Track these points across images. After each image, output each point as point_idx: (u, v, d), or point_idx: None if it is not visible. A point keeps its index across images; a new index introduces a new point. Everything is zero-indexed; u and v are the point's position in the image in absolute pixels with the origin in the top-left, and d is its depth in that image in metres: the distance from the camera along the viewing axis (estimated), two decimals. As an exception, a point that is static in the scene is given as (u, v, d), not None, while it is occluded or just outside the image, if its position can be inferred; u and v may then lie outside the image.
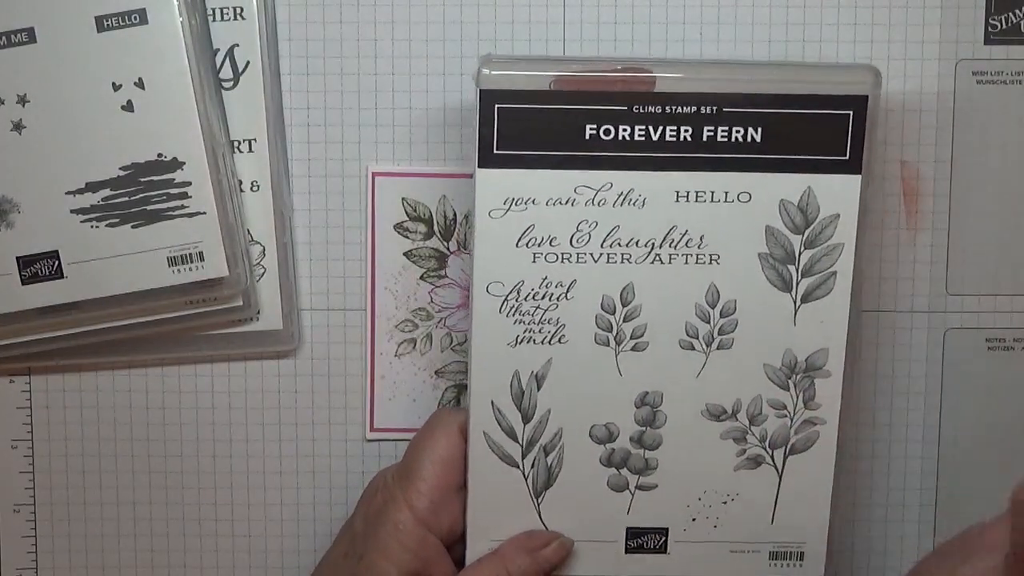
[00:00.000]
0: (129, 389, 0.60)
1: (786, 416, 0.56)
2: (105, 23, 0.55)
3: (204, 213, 0.56)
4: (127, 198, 0.55)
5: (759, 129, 0.53)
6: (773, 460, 0.56)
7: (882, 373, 0.60)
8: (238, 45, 0.57)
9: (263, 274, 0.59)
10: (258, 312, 0.59)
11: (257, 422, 0.60)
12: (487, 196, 0.53)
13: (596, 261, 0.54)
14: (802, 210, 0.54)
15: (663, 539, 0.57)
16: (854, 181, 0.54)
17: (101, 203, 0.55)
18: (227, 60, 0.57)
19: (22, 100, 0.55)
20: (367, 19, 0.58)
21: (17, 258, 0.55)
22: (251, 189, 0.58)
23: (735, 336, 0.55)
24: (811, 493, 0.56)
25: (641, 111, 0.53)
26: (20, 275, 0.56)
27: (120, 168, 0.55)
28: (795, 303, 0.55)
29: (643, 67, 0.53)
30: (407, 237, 0.59)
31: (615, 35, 0.59)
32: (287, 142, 0.59)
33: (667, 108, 0.53)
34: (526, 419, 0.55)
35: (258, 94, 0.58)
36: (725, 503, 0.56)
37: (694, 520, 0.57)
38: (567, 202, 0.54)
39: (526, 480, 0.56)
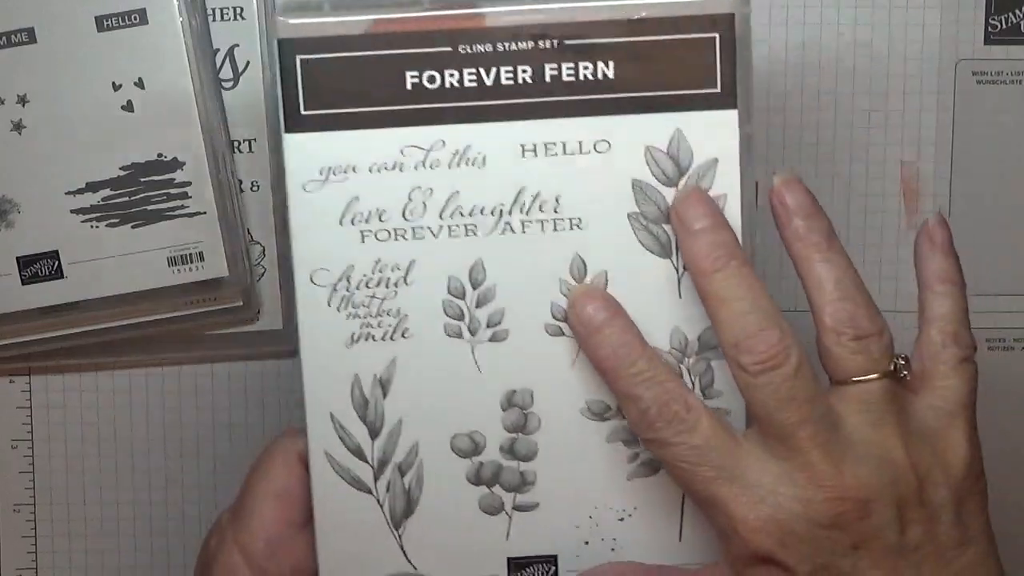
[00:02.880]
0: (129, 389, 0.60)
1: None
2: (105, 23, 0.55)
3: (204, 213, 0.56)
4: (127, 198, 0.55)
5: (610, 63, 0.45)
6: None
7: (882, 373, 0.60)
8: (238, 45, 0.57)
9: (263, 274, 0.59)
10: (258, 312, 0.59)
11: (257, 422, 0.60)
12: (299, 166, 0.46)
13: (436, 236, 0.46)
14: (672, 157, 0.46)
15: (553, 569, 0.48)
16: (730, 117, 0.46)
17: (101, 203, 0.55)
18: (227, 60, 0.57)
19: (22, 100, 0.55)
20: None
21: (17, 258, 0.55)
22: (251, 189, 0.58)
23: None
24: None
25: (469, 51, 0.45)
26: (20, 275, 0.56)
27: (120, 168, 0.55)
28: (678, 270, 0.46)
29: (470, 2, 0.46)
30: (407, 237, 0.59)
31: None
32: (287, 142, 0.59)
33: (499, 46, 0.45)
34: (374, 434, 0.47)
35: (258, 94, 0.57)
36: (622, 520, 0.48)
37: (587, 544, 0.48)
38: (394, 167, 0.46)
39: (382, 508, 0.48)
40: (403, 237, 0.46)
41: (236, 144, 0.58)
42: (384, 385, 0.47)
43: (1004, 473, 0.61)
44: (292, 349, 0.59)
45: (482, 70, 0.45)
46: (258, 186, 0.58)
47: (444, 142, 0.46)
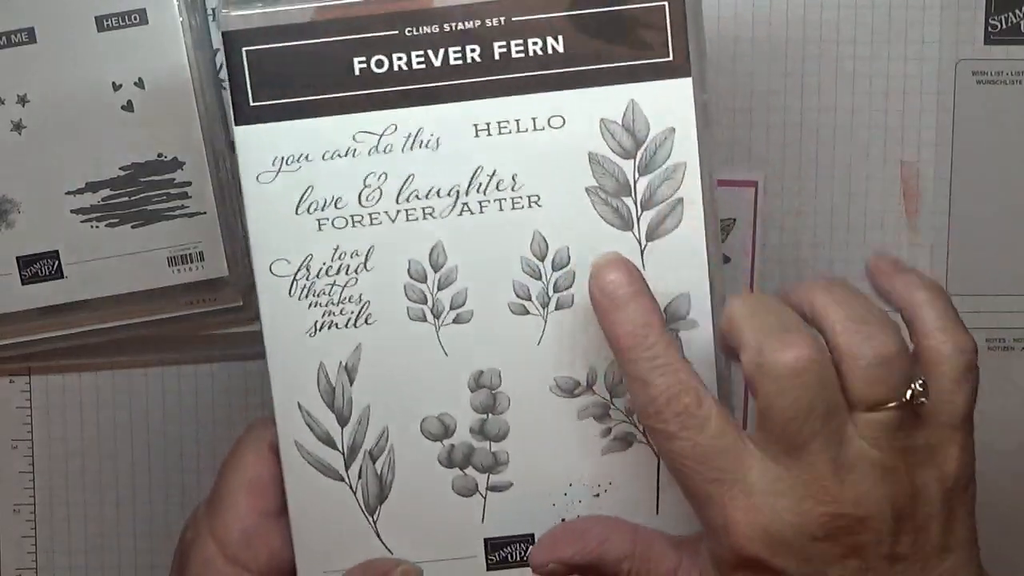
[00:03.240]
0: (129, 389, 0.60)
1: None
2: (105, 23, 0.55)
3: (204, 213, 0.56)
4: (127, 198, 0.55)
5: (560, 38, 0.45)
6: (646, 437, 0.48)
7: (882, 373, 0.60)
8: (238, 45, 0.57)
9: (263, 274, 0.59)
10: (258, 312, 0.59)
11: (257, 422, 0.61)
12: (251, 158, 0.46)
13: (393, 221, 0.46)
14: (628, 129, 0.45)
15: (530, 547, 0.48)
16: (684, 86, 0.45)
17: (101, 203, 0.55)
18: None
19: (22, 100, 0.55)
20: None
21: (17, 258, 0.55)
22: (251, 189, 0.58)
23: (575, 292, 0.46)
24: None
25: (415, 33, 0.45)
26: (20, 275, 0.56)
27: (120, 168, 0.55)
28: (640, 243, 0.46)
29: None
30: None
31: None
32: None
33: (445, 26, 0.45)
34: (342, 421, 0.47)
35: (258, 94, 0.58)
36: (598, 495, 0.48)
37: (564, 520, 0.48)
38: (347, 153, 0.45)
39: (355, 494, 0.47)
40: (360, 223, 0.46)
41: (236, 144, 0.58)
42: (350, 372, 0.47)
43: (1004, 473, 0.61)
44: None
45: (430, 52, 0.45)
46: (258, 186, 0.58)
47: (396, 126, 0.45)
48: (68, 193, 0.55)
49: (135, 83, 0.55)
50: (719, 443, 0.43)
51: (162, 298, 0.56)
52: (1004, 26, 0.59)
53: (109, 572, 0.61)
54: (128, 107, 0.55)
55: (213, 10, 0.57)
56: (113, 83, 0.55)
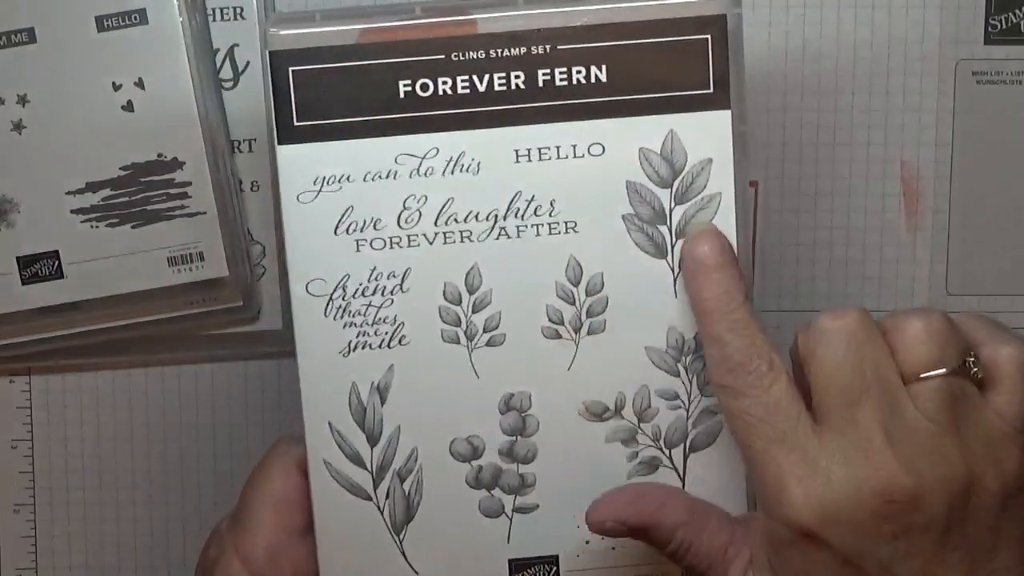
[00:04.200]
0: (129, 389, 0.60)
1: (680, 407, 0.48)
2: (105, 23, 0.55)
3: (204, 213, 0.56)
4: (127, 198, 0.55)
5: (603, 67, 0.45)
6: (672, 461, 0.48)
7: (882, 373, 0.60)
8: (238, 45, 0.57)
9: (263, 274, 0.59)
10: (258, 312, 0.59)
11: (257, 422, 0.60)
12: (292, 177, 0.46)
13: (431, 243, 0.46)
14: (666, 158, 0.46)
15: (554, 569, 0.48)
16: (723, 118, 0.46)
17: (101, 203, 0.55)
18: (227, 60, 0.57)
19: (22, 100, 0.55)
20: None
21: (17, 258, 0.55)
22: (251, 189, 0.58)
23: (607, 317, 0.47)
24: (723, 495, 0.48)
25: (461, 58, 0.45)
26: (20, 275, 0.56)
27: (120, 168, 0.55)
28: (674, 270, 0.47)
29: (461, 7, 0.46)
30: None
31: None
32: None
33: (491, 52, 0.45)
34: (372, 441, 0.47)
35: (258, 94, 0.57)
36: None
37: (588, 543, 0.48)
38: (388, 175, 0.46)
39: (382, 514, 0.48)
40: (398, 245, 0.46)
41: (236, 144, 0.58)
42: (382, 392, 0.47)
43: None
44: (292, 349, 0.60)
45: (475, 77, 0.46)
46: (258, 186, 0.58)
47: (438, 149, 0.46)
48: (68, 193, 0.55)
49: (135, 83, 0.55)
50: (783, 405, 0.43)
51: (162, 298, 0.56)
52: (1004, 26, 0.59)
53: (109, 572, 0.61)
54: (128, 107, 0.55)
55: (214, 10, 0.57)
56: (113, 83, 0.55)
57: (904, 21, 0.58)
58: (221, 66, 0.57)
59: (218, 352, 0.59)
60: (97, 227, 0.55)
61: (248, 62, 0.57)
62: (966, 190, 0.59)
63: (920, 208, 0.60)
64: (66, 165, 0.55)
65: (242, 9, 0.57)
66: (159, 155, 0.55)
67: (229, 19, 0.57)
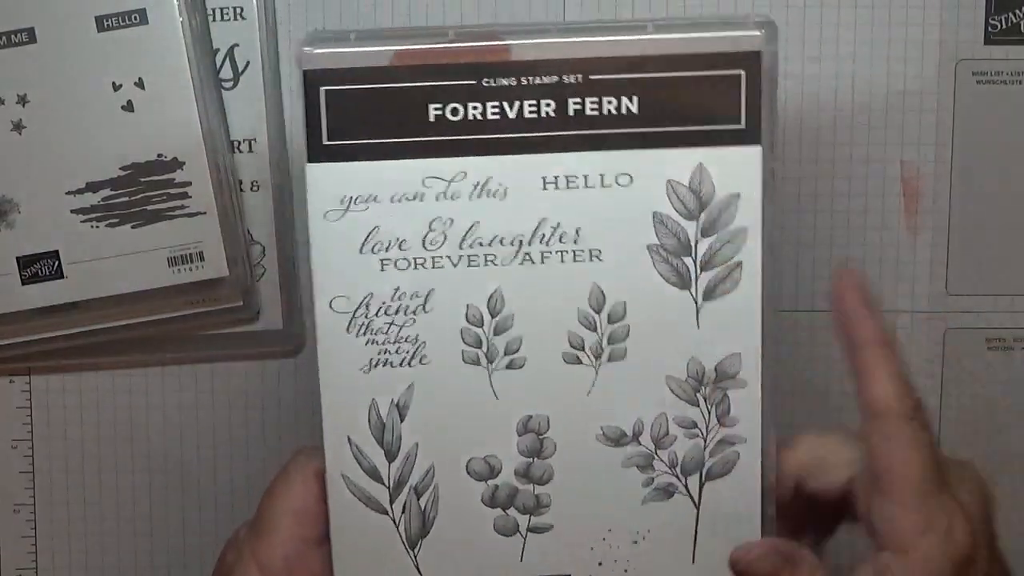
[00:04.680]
0: (129, 389, 0.60)
1: (698, 436, 0.48)
2: (105, 23, 0.55)
3: (204, 213, 0.56)
4: (127, 198, 0.55)
5: (635, 98, 0.45)
6: (687, 488, 0.48)
7: (882, 373, 0.60)
8: (238, 45, 0.57)
9: (263, 274, 0.59)
10: (258, 312, 0.59)
11: (257, 422, 0.60)
12: (320, 195, 0.46)
13: (455, 266, 0.46)
14: (694, 191, 0.46)
15: None
16: (754, 153, 0.46)
17: (101, 203, 0.55)
18: (227, 60, 0.57)
19: (22, 100, 0.55)
20: (367, 19, 0.58)
21: (17, 258, 0.55)
22: (251, 189, 0.58)
23: (628, 345, 0.47)
24: (737, 524, 0.48)
25: (493, 84, 0.45)
26: (20, 275, 0.56)
27: (120, 168, 0.55)
28: (696, 302, 0.47)
29: (495, 34, 0.45)
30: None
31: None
32: (287, 142, 0.59)
33: (523, 79, 0.45)
34: (390, 457, 0.47)
35: (258, 94, 0.58)
36: (636, 543, 0.48)
37: (600, 565, 0.48)
38: (415, 197, 0.46)
39: (397, 528, 0.48)
40: (423, 266, 0.47)
41: (236, 144, 0.58)
42: (401, 410, 0.47)
43: (1005, 473, 0.61)
44: (292, 349, 0.60)
45: (505, 103, 0.46)
46: (258, 186, 0.58)
47: (466, 173, 0.46)
48: (68, 193, 0.55)
49: (135, 83, 0.55)
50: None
51: (162, 298, 0.56)
52: (1004, 26, 0.59)
53: (109, 572, 0.61)
54: (128, 107, 0.55)
55: (214, 10, 0.57)
56: (113, 83, 0.55)
57: (904, 21, 0.58)
58: (221, 66, 0.57)
59: (218, 352, 0.60)
60: (97, 227, 0.55)
61: (248, 62, 0.57)
62: (966, 190, 0.59)
63: (920, 208, 0.60)
64: (66, 165, 0.55)
65: (242, 9, 0.57)
66: (159, 155, 0.55)
67: (229, 19, 0.57)
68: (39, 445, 0.61)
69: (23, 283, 0.56)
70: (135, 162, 0.55)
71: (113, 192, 0.55)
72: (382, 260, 0.46)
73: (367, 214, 0.46)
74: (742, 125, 0.46)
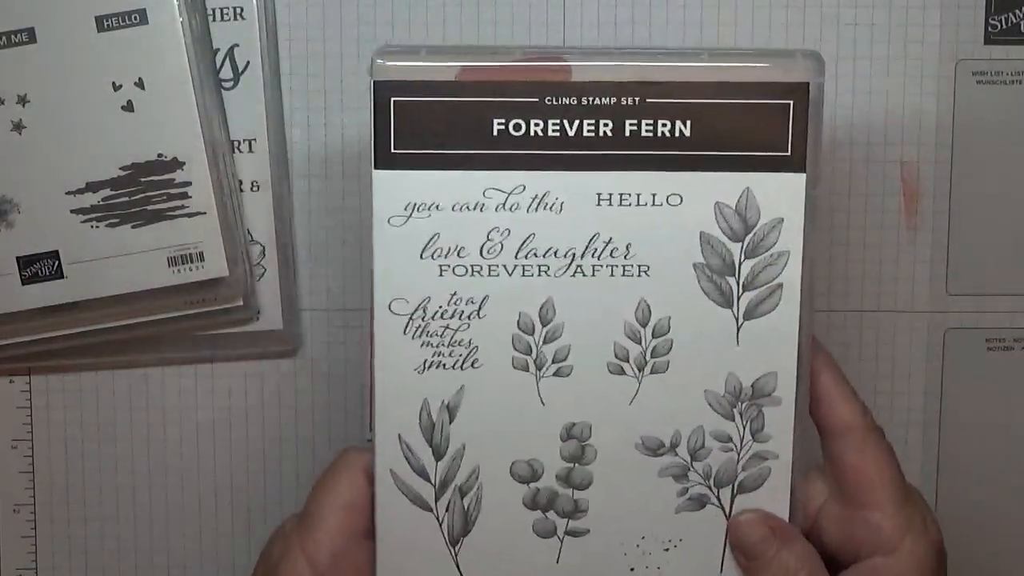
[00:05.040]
0: (129, 389, 0.60)
1: (732, 450, 0.49)
2: (105, 23, 0.55)
3: (204, 213, 0.56)
4: (127, 198, 0.55)
5: (688, 123, 0.47)
6: (719, 500, 0.50)
7: (882, 373, 0.60)
8: (238, 45, 0.57)
9: (263, 274, 0.59)
10: (258, 312, 0.59)
11: (257, 422, 0.60)
12: (386, 201, 0.48)
13: (510, 274, 0.48)
14: (740, 214, 0.48)
15: None
16: (798, 180, 0.48)
17: (101, 203, 0.55)
18: (227, 60, 0.57)
19: (22, 100, 0.55)
20: (367, 19, 0.58)
21: (17, 258, 0.55)
22: (251, 189, 0.58)
23: (671, 359, 0.49)
24: None
25: (554, 103, 0.47)
26: (20, 275, 0.56)
27: (120, 168, 0.55)
28: (737, 320, 0.49)
29: (558, 55, 0.48)
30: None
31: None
32: (287, 142, 0.59)
33: (583, 99, 0.47)
34: (438, 456, 0.49)
35: (258, 94, 0.58)
36: (667, 550, 0.50)
37: (632, 570, 0.50)
38: (475, 207, 0.48)
39: (440, 526, 0.50)
40: (479, 273, 0.48)
41: (236, 144, 0.58)
42: (451, 411, 0.49)
43: (1005, 473, 0.61)
44: (292, 349, 0.60)
45: (566, 121, 0.47)
46: (258, 186, 0.58)
47: (525, 187, 0.48)
48: (68, 193, 0.55)
49: (135, 83, 0.55)
50: None
51: (162, 298, 0.56)
52: (1004, 26, 0.59)
53: (109, 572, 0.61)
54: (128, 107, 0.55)
55: (214, 10, 0.57)
56: (113, 83, 0.55)
57: (904, 21, 0.58)
58: (221, 66, 0.57)
59: (218, 352, 0.60)
60: (97, 227, 0.55)
61: (248, 62, 0.57)
62: (966, 190, 0.59)
63: (920, 208, 0.60)
64: (66, 165, 0.55)
65: (242, 9, 0.57)
66: (159, 155, 0.55)
67: (229, 19, 0.57)
68: (39, 445, 0.61)
69: (23, 283, 0.56)
70: (135, 162, 0.55)
71: (113, 192, 0.55)
72: (441, 266, 0.48)
73: (429, 221, 0.48)
74: (788, 152, 0.48)
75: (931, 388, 0.60)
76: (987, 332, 0.60)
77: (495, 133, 0.47)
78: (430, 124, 0.47)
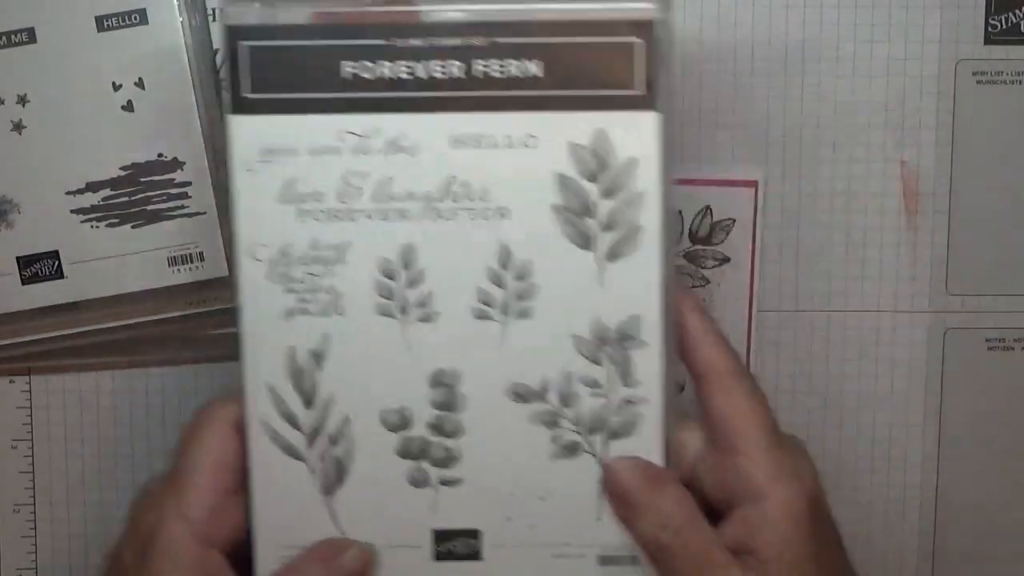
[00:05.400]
0: (129, 389, 0.60)
1: (602, 395, 0.49)
2: (105, 23, 0.55)
3: (204, 213, 0.56)
4: (127, 198, 0.55)
5: (539, 63, 0.47)
6: (592, 447, 0.49)
7: (882, 373, 0.60)
8: (238, 45, 0.57)
9: (263, 274, 0.59)
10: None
11: (257, 422, 0.60)
12: (242, 146, 0.48)
13: (370, 219, 0.48)
14: (595, 154, 0.48)
15: (475, 543, 0.50)
16: (651, 119, 0.47)
17: (101, 203, 0.55)
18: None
19: (22, 100, 0.55)
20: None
21: (17, 258, 0.56)
22: (251, 189, 0.58)
23: (535, 304, 0.48)
24: None
25: (403, 44, 0.47)
26: (20, 275, 0.56)
27: (120, 168, 0.55)
28: (599, 262, 0.48)
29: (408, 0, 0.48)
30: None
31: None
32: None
33: (432, 40, 0.47)
34: (308, 403, 0.49)
35: (258, 94, 0.58)
36: (542, 499, 0.49)
37: (509, 520, 0.49)
38: (331, 151, 0.48)
39: (313, 475, 0.49)
40: (338, 218, 0.48)
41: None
42: (318, 359, 0.49)
43: (1004, 474, 0.61)
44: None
45: (415, 63, 0.48)
46: (258, 186, 0.58)
47: (379, 130, 0.48)
48: (68, 193, 0.55)
49: (135, 83, 0.55)
50: None
51: (162, 298, 0.56)
52: (1004, 26, 0.59)
53: (109, 572, 0.61)
54: (128, 107, 0.55)
55: (214, 10, 0.57)
56: (113, 83, 0.55)
57: (904, 21, 0.58)
58: (221, 66, 0.57)
59: (218, 352, 0.59)
60: (97, 227, 0.55)
61: (248, 62, 0.57)
62: (966, 190, 0.59)
63: (920, 208, 0.60)
64: (66, 165, 0.55)
65: (242, 9, 0.57)
66: (159, 155, 0.55)
67: (229, 19, 0.57)
68: (39, 445, 0.60)
69: (23, 283, 0.56)
70: (135, 162, 0.55)
71: (113, 192, 0.55)
72: (299, 211, 0.48)
73: (285, 166, 0.48)
74: (640, 91, 0.47)
75: (931, 388, 0.60)
76: (987, 332, 0.60)
77: (347, 76, 0.48)
78: (283, 69, 0.47)
